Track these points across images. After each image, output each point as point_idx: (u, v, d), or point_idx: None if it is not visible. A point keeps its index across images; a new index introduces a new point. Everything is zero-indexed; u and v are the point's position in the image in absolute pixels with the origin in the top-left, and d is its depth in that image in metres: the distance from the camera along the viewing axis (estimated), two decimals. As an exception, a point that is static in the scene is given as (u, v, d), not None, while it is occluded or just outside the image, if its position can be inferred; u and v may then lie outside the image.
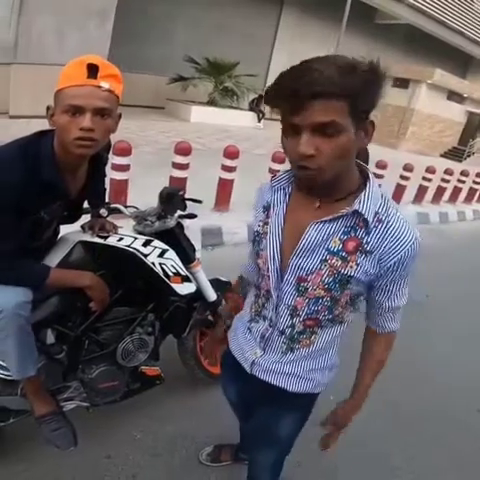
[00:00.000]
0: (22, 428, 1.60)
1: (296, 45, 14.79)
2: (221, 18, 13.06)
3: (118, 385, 1.65)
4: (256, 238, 1.02)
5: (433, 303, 3.68)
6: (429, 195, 7.26)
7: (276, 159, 4.73)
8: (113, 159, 3.62)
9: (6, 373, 1.43)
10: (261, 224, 0.99)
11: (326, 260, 0.88)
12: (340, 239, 0.86)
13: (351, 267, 0.87)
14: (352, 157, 0.83)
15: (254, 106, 13.41)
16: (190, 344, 1.98)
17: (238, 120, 12.47)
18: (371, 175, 0.89)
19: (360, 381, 1.07)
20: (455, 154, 18.21)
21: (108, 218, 1.64)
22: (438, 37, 17.58)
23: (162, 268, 1.58)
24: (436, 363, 2.79)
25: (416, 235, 0.87)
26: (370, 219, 0.84)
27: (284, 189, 0.96)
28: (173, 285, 1.62)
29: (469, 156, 18.23)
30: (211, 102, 12.69)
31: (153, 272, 1.56)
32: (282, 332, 1.00)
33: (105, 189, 1.71)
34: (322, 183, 0.82)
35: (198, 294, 1.83)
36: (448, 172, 7.28)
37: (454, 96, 17.79)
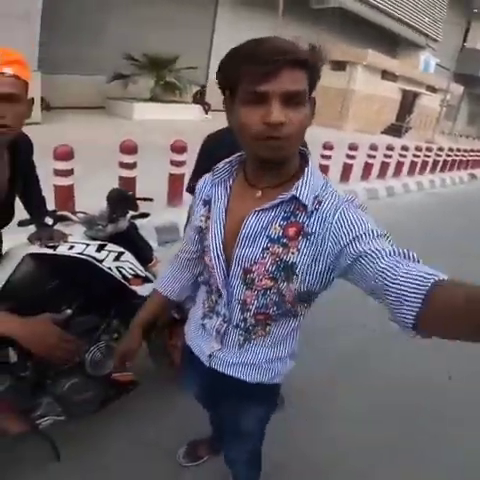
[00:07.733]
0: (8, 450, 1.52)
1: (235, 35, 14.59)
2: (156, 12, 12.63)
3: (92, 395, 1.60)
4: (199, 234, 0.97)
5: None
6: (375, 171, 7.57)
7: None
8: (55, 164, 3.44)
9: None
10: (203, 219, 0.95)
11: (267, 248, 0.84)
12: (280, 225, 0.83)
13: (292, 253, 0.82)
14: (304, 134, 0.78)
15: (198, 98, 13.26)
16: (160, 344, 1.95)
17: (183, 114, 12.27)
18: (310, 158, 0.86)
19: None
20: (394, 130, 19.07)
21: (56, 227, 1.57)
22: (368, 18, 18.22)
23: (120, 271, 1.54)
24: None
25: (348, 197, 0.83)
26: (308, 203, 0.80)
27: (225, 182, 0.92)
28: (133, 287, 1.58)
29: (407, 131, 19.19)
30: (154, 98, 12.40)
31: (111, 277, 1.52)
32: (236, 326, 0.98)
33: (43, 197, 1.63)
34: (287, 156, 0.79)
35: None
36: (390, 148, 7.63)
37: (388, 75, 18.60)
